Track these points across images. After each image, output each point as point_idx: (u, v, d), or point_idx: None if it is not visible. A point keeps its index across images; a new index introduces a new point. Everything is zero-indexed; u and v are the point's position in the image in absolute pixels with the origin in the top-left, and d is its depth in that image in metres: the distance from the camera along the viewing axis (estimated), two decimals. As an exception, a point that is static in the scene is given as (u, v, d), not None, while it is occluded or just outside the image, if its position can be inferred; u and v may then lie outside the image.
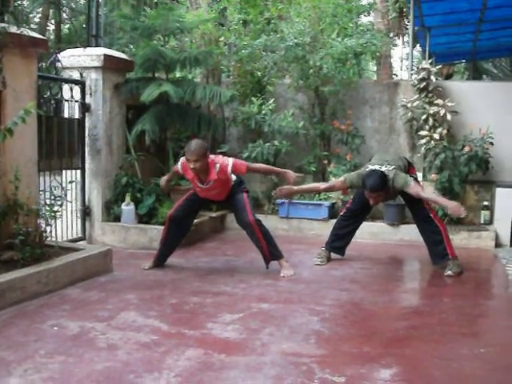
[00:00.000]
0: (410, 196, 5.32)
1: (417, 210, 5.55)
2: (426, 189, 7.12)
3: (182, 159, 5.24)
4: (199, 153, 4.96)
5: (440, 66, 7.56)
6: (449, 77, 16.55)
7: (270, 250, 5.33)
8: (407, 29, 17.27)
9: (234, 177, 5.32)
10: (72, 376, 3.01)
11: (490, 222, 7.16)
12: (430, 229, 5.53)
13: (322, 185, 6.07)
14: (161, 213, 6.44)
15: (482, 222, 7.17)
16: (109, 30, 7.57)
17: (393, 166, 5.26)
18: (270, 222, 7.40)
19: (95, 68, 6.33)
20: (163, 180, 5.61)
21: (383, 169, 5.24)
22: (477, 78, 18.29)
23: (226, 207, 5.57)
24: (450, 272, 5.37)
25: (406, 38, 19.86)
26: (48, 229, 4.90)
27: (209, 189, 5.22)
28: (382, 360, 3.33)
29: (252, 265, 5.60)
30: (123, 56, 6.75)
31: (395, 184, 5.20)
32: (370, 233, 6.98)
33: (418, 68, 7.48)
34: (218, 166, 5.10)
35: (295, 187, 5.47)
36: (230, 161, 5.16)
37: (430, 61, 7.62)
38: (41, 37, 5.28)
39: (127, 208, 6.41)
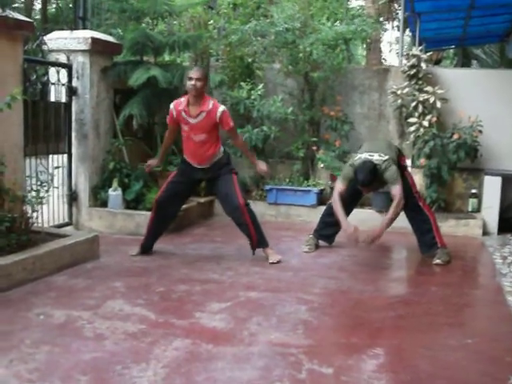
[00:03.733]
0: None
1: (406, 199, 5.53)
2: (413, 176, 7.21)
3: (172, 104, 5.25)
4: (202, 73, 5.11)
5: (431, 53, 7.50)
6: (438, 62, 16.52)
7: (258, 237, 5.31)
8: (397, 13, 17.24)
9: (221, 148, 5.33)
10: (58, 367, 2.98)
11: (478, 209, 7.18)
12: (419, 218, 5.54)
13: (337, 199, 5.46)
14: (148, 198, 6.39)
15: (470, 209, 7.20)
16: (96, 11, 7.44)
17: (387, 157, 5.22)
18: (258, 207, 7.36)
19: (82, 51, 6.23)
20: (154, 160, 5.57)
21: (375, 157, 5.22)
22: (466, 63, 18.29)
23: (214, 191, 5.47)
24: (438, 261, 5.39)
25: (395, 23, 19.84)
26: (34, 215, 4.85)
27: (197, 127, 5.10)
28: (369, 351, 3.34)
29: (240, 252, 5.57)
30: (111, 39, 6.65)
31: (385, 176, 5.20)
32: (359, 220, 6.89)
33: (408, 54, 7.44)
34: (211, 102, 5.15)
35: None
36: (223, 107, 5.20)
37: (420, 47, 7.58)
38: (27, 19, 5.19)
39: (114, 193, 6.36)
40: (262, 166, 5.43)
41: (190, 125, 5.13)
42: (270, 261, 5.24)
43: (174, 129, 5.35)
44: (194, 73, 5.05)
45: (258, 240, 5.31)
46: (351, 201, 5.75)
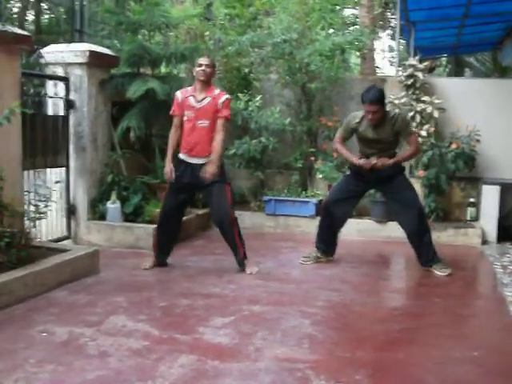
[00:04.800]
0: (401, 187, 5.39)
1: (412, 209, 5.40)
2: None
3: (178, 91, 5.38)
4: (211, 61, 5.36)
5: (426, 63, 7.53)
6: (431, 70, 16.56)
7: (244, 250, 5.36)
8: (390, 22, 17.35)
9: None
10: (63, 386, 2.95)
11: (477, 218, 7.19)
12: (421, 230, 5.42)
13: (337, 142, 5.63)
14: (147, 211, 6.37)
15: (469, 218, 7.20)
16: (90, 22, 7.41)
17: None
18: (257, 219, 7.40)
19: (80, 64, 6.21)
20: (167, 167, 5.33)
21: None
22: (459, 71, 18.39)
23: (206, 198, 5.46)
24: (440, 273, 5.36)
25: (389, 31, 19.97)
26: (34, 230, 4.81)
27: (201, 112, 5.16)
28: (375, 365, 3.32)
29: (241, 264, 5.55)
30: (108, 52, 6.63)
31: (398, 120, 5.28)
32: (358, 230, 6.96)
33: (405, 64, 7.46)
34: (218, 90, 5.36)
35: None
36: (228, 95, 5.38)
37: (417, 57, 7.60)
38: (25, 33, 5.17)
39: (113, 206, 6.33)
40: (210, 169, 5.16)
41: (194, 109, 5.20)
42: (249, 271, 5.27)
43: (180, 120, 5.31)
44: (204, 59, 5.29)
45: (244, 253, 5.35)
46: (351, 201, 5.68)
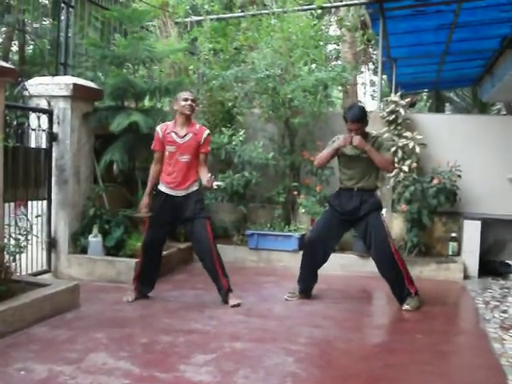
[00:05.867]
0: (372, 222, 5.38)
1: (382, 245, 5.41)
2: (394, 220, 7.24)
3: (159, 126, 5.44)
4: (195, 97, 5.47)
5: (408, 99, 7.63)
6: (412, 105, 16.80)
7: (228, 283, 5.37)
8: (372, 57, 17.63)
9: (198, 182, 5.38)
10: (41, 427, 2.88)
11: (458, 253, 7.23)
12: (393, 271, 5.40)
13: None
14: (129, 245, 6.33)
15: (450, 253, 7.23)
16: (75, 54, 7.42)
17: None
18: (239, 253, 7.38)
19: (64, 97, 6.21)
20: (143, 201, 5.42)
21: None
22: (439, 106, 18.68)
23: (187, 232, 5.51)
24: (407, 306, 5.36)
25: (370, 65, 20.29)
26: (13, 264, 4.75)
27: (183, 147, 5.25)
28: (359, 404, 3.29)
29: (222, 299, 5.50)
30: (92, 85, 6.65)
31: (379, 139, 5.42)
32: (341, 265, 6.96)
33: (387, 100, 7.56)
34: (197, 125, 5.49)
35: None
36: (208, 130, 5.48)
37: (398, 93, 7.71)
38: (10, 66, 5.15)
39: (94, 240, 6.28)
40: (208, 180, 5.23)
41: (177, 144, 5.28)
42: (231, 304, 5.27)
43: (161, 155, 5.42)
44: (189, 94, 5.38)
45: (229, 286, 5.36)
46: (333, 238, 5.66)
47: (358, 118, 5.25)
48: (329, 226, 5.57)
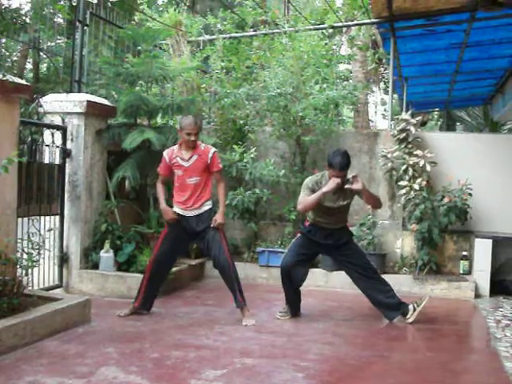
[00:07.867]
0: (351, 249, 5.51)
1: (365, 268, 5.54)
2: (405, 238, 7.24)
3: (165, 152, 5.49)
4: (198, 126, 5.39)
5: (419, 118, 7.66)
6: (423, 124, 16.85)
7: (242, 295, 5.43)
8: (383, 76, 17.67)
9: (211, 201, 5.46)
10: None
11: (469, 272, 7.20)
12: (381, 284, 5.56)
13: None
14: (140, 260, 6.36)
15: (462, 272, 7.21)
16: (89, 71, 7.52)
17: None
18: (250, 270, 7.39)
19: (77, 114, 6.31)
20: (164, 207, 5.47)
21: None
22: (450, 125, 18.68)
23: (203, 248, 5.54)
24: (412, 319, 5.46)
25: (381, 85, 20.34)
26: (26, 278, 4.79)
27: (191, 170, 5.33)
28: (369, 421, 3.28)
29: (233, 316, 5.50)
30: (106, 102, 6.73)
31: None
32: (350, 283, 6.88)
33: (397, 118, 7.59)
34: (203, 145, 5.48)
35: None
36: (214, 149, 5.51)
37: (409, 112, 7.74)
38: (25, 83, 5.24)
39: (106, 255, 6.32)
40: (220, 219, 5.40)
41: (183, 168, 5.36)
42: (244, 323, 5.27)
43: (165, 179, 5.57)
44: (192, 127, 5.31)
45: (243, 297, 5.42)
46: (306, 262, 5.71)
47: (346, 165, 5.22)
48: (303, 252, 5.57)
